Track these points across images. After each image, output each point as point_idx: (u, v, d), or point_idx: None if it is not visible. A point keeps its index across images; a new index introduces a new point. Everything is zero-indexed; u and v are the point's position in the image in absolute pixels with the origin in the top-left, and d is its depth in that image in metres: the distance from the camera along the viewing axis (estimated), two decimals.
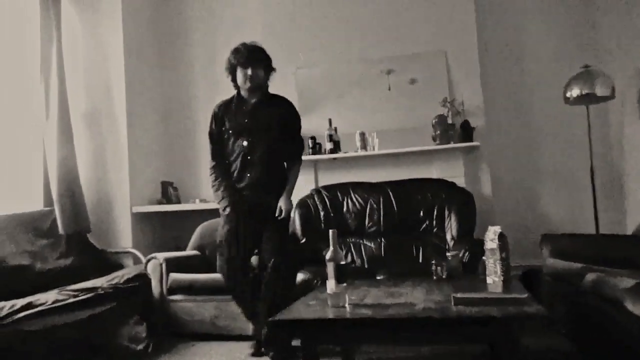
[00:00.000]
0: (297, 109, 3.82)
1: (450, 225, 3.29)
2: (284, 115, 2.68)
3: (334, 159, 3.70)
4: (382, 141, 3.65)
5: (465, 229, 3.23)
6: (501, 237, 2.04)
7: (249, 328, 2.98)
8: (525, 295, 1.78)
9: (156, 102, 4.21)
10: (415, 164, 3.68)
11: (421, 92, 3.77)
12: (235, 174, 2.64)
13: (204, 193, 4.11)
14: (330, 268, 1.90)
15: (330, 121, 3.69)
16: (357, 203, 3.44)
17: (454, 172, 3.62)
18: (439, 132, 3.54)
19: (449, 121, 3.57)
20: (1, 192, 3.42)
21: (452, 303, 1.74)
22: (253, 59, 2.58)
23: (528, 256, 3.27)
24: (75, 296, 2.56)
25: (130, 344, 2.86)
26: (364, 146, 3.64)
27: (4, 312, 2.16)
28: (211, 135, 2.72)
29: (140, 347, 2.89)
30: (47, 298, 2.43)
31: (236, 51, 2.61)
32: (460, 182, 3.56)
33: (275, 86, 3.88)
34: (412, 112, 3.76)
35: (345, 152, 3.68)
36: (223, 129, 2.67)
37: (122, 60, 3.82)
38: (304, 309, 1.86)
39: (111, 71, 3.83)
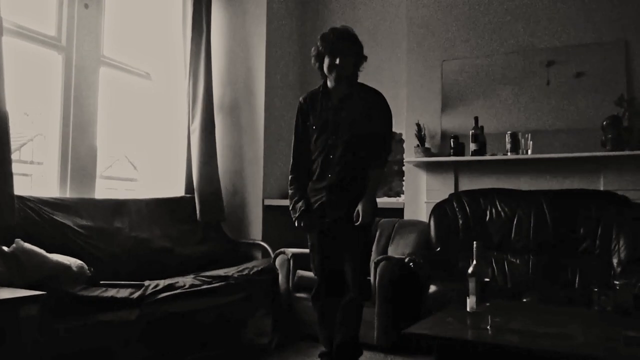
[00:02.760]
0: (439, 104, 3.80)
1: (618, 247, 2.96)
2: (371, 109, 2.48)
3: (479, 161, 3.53)
4: (537, 144, 3.40)
5: (638, 253, 2.86)
6: None
7: (374, 336, 3.00)
8: None
9: (293, 98, 4.41)
10: (577, 172, 3.35)
11: (589, 88, 3.42)
12: (316, 173, 2.52)
13: None
14: (472, 284, 1.83)
15: (476, 119, 3.53)
16: (502, 213, 3.24)
17: (627, 185, 3.23)
18: (610, 136, 3.17)
19: (625, 124, 3.19)
20: (148, 177, 3.89)
21: (622, 342, 1.55)
22: (341, 46, 2.43)
23: None
24: (209, 283, 2.79)
25: (255, 337, 3.05)
26: (515, 149, 3.41)
27: (149, 290, 2.45)
28: (296, 130, 2.62)
29: (265, 341, 3.07)
30: (185, 282, 2.69)
31: (324, 37, 2.48)
32: (635, 196, 3.16)
33: (419, 78, 3.88)
34: (576, 112, 3.43)
35: (492, 155, 3.49)
36: (307, 123, 2.56)
37: (263, 56, 4.08)
38: (440, 326, 1.80)
39: (253, 66, 4.11)
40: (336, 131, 2.47)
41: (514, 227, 3.20)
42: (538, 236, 3.12)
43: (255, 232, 4.01)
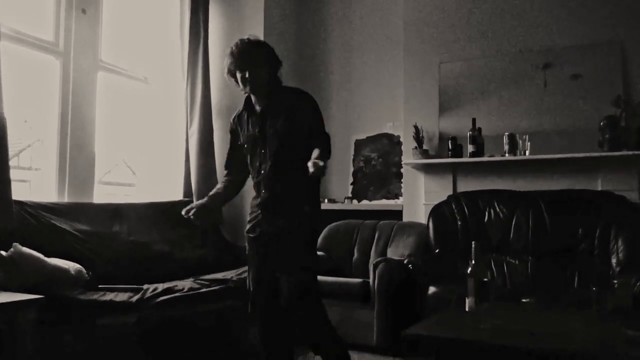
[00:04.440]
0: (437, 106, 3.80)
1: (616, 247, 2.96)
2: (295, 112, 2.30)
3: (477, 163, 3.53)
4: (534, 145, 3.40)
5: (637, 253, 2.86)
6: None
7: (373, 338, 2.98)
8: None
9: None
10: (575, 173, 3.35)
11: (585, 89, 3.43)
12: (255, 190, 2.38)
13: (333, 193, 4.21)
14: (470, 284, 1.82)
15: (474, 121, 3.54)
16: (501, 214, 3.24)
17: (624, 185, 3.23)
18: (607, 136, 3.18)
19: (622, 124, 3.19)
20: (147, 181, 3.89)
21: (622, 341, 1.55)
22: (247, 59, 2.27)
23: None
24: (208, 286, 2.78)
25: (255, 341, 3.03)
26: (512, 150, 3.42)
27: (147, 294, 2.44)
28: (229, 150, 2.52)
29: None
30: (184, 285, 2.69)
31: (230, 53, 2.32)
32: (632, 196, 3.17)
33: (417, 81, 3.88)
34: (573, 113, 3.44)
35: (490, 156, 3.50)
36: (239, 143, 2.44)
37: None
38: (438, 326, 1.80)
39: None
40: (264, 144, 2.32)
41: (512, 228, 3.19)
42: (537, 237, 3.12)
43: None
